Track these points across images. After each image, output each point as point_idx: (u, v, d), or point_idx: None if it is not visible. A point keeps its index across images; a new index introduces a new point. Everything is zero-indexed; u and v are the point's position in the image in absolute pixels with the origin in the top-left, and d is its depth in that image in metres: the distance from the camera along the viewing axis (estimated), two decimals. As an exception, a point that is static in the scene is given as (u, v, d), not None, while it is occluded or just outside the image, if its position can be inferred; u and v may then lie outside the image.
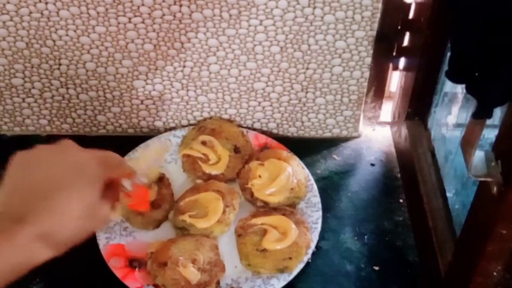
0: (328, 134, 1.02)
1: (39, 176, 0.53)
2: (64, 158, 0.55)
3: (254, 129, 1.00)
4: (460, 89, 0.80)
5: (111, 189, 0.58)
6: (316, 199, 0.88)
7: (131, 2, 0.85)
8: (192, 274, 0.76)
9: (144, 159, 0.66)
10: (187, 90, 0.96)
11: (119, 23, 0.87)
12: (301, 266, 0.79)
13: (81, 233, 0.54)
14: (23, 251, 0.49)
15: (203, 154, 0.91)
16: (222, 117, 1.00)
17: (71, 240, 0.53)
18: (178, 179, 0.91)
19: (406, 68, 0.95)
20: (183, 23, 0.87)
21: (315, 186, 0.89)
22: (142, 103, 0.98)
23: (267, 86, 0.95)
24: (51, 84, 0.95)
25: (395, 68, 0.96)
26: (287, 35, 0.89)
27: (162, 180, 0.88)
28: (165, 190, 0.87)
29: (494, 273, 0.61)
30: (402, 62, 0.95)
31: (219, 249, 0.81)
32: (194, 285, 0.75)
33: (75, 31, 0.88)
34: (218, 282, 0.77)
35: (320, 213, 0.86)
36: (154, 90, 0.96)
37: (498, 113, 0.56)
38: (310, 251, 0.81)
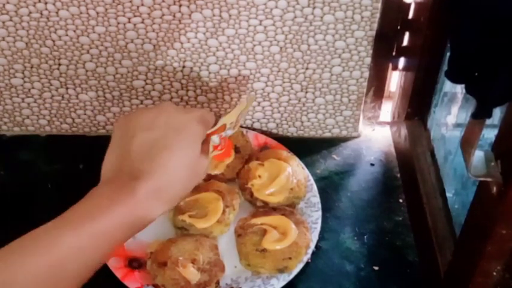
0: (327, 134, 1.02)
1: (146, 137, 0.57)
2: (166, 120, 0.59)
3: (254, 129, 1.00)
4: (459, 89, 0.80)
5: (204, 144, 0.62)
6: (316, 199, 0.88)
7: (131, 2, 0.85)
8: (192, 274, 0.76)
9: (234, 113, 0.70)
10: (187, 90, 0.96)
11: (118, 23, 0.87)
12: (301, 266, 0.79)
13: (188, 187, 0.59)
14: (143, 205, 0.53)
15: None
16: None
17: (180, 195, 0.58)
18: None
19: (406, 68, 0.95)
20: (182, 23, 0.87)
21: (315, 186, 0.89)
22: (142, 103, 0.98)
23: (267, 86, 0.95)
24: (51, 84, 0.95)
25: (395, 68, 0.96)
26: (286, 35, 0.89)
27: None
28: None
29: (494, 273, 0.61)
30: (402, 62, 0.95)
31: (218, 249, 0.81)
32: (194, 285, 0.75)
33: (74, 31, 0.88)
34: (218, 282, 0.77)
35: (320, 213, 0.86)
36: (154, 90, 0.96)
37: (498, 113, 0.56)
38: (310, 251, 0.81)
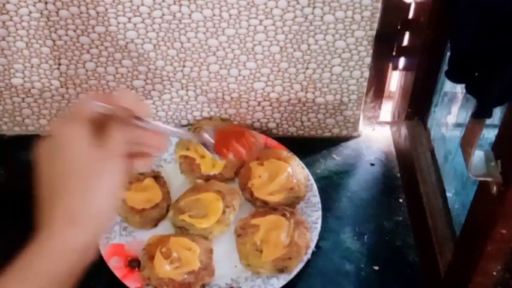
0: (328, 134, 1.02)
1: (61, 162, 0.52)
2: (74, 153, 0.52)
3: (254, 129, 1.00)
4: (459, 89, 0.80)
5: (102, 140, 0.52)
6: (316, 199, 0.88)
7: (131, 1, 0.85)
8: (161, 266, 0.76)
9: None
10: (187, 90, 0.96)
11: (118, 23, 0.87)
12: (301, 266, 0.79)
13: (107, 208, 0.52)
14: (60, 241, 0.50)
15: (200, 156, 0.91)
16: (222, 117, 1.00)
17: (100, 219, 0.52)
18: (178, 179, 0.92)
19: (406, 68, 0.95)
20: (182, 22, 0.87)
21: (315, 186, 0.89)
22: (142, 103, 0.98)
23: (267, 85, 0.95)
24: (51, 84, 0.95)
25: (395, 67, 0.96)
26: (287, 34, 0.89)
27: (157, 179, 0.88)
28: (161, 188, 0.87)
29: (494, 273, 0.61)
30: (402, 61, 0.95)
31: (213, 253, 0.80)
32: (177, 283, 0.75)
33: (74, 31, 0.88)
34: (203, 286, 0.77)
35: (320, 213, 0.86)
36: (153, 90, 0.96)
37: (498, 113, 0.56)
38: (310, 251, 0.81)
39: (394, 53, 0.94)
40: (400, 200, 0.92)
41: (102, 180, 0.51)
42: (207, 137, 0.62)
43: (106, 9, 0.86)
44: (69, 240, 0.51)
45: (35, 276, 0.50)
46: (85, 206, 0.51)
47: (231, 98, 0.97)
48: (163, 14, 0.86)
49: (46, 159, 0.52)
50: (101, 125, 0.51)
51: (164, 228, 0.85)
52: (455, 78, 0.59)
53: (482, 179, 0.56)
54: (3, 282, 0.49)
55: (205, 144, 0.62)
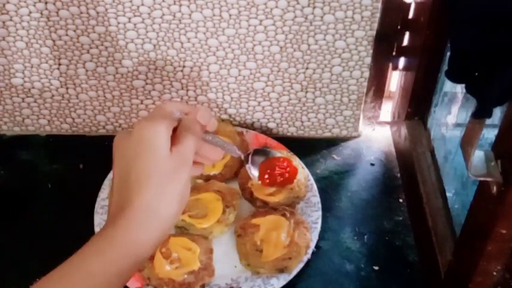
0: (327, 134, 1.02)
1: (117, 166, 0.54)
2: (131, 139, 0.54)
3: (254, 129, 1.00)
4: (459, 89, 0.80)
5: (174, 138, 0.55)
6: (316, 199, 0.88)
7: (131, 2, 0.85)
8: (161, 266, 0.76)
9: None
10: (187, 90, 0.96)
11: (118, 23, 0.87)
12: (300, 266, 0.79)
13: (177, 206, 0.54)
14: (130, 233, 0.50)
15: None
16: (222, 117, 1.00)
17: (170, 222, 0.53)
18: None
19: (406, 68, 0.95)
20: (182, 22, 0.87)
21: (315, 186, 0.89)
22: (142, 103, 0.98)
23: (267, 85, 0.95)
24: (51, 84, 0.95)
25: (395, 67, 0.96)
26: (287, 34, 0.89)
27: None
28: None
29: (494, 273, 0.61)
30: (402, 61, 0.95)
31: (213, 253, 0.80)
32: (177, 283, 0.75)
33: (74, 31, 0.88)
34: (203, 286, 0.77)
35: (320, 213, 0.86)
36: (154, 90, 0.96)
37: (498, 113, 0.56)
38: (310, 251, 0.81)
39: (394, 53, 0.94)
40: (400, 200, 0.92)
41: (177, 185, 0.53)
42: (253, 170, 0.71)
43: (106, 9, 0.86)
44: (136, 236, 0.51)
45: (98, 264, 0.50)
46: (163, 206, 0.52)
47: (231, 98, 0.97)
48: (163, 14, 0.86)
49: (125, 154, 0.53)
50: (173, 131, 0.54)
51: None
52: (455, 78, 0.59)
53: (482, 179, 0.56)
54: (75, 263, 0.50)
55: (249, 169, 0.71)
